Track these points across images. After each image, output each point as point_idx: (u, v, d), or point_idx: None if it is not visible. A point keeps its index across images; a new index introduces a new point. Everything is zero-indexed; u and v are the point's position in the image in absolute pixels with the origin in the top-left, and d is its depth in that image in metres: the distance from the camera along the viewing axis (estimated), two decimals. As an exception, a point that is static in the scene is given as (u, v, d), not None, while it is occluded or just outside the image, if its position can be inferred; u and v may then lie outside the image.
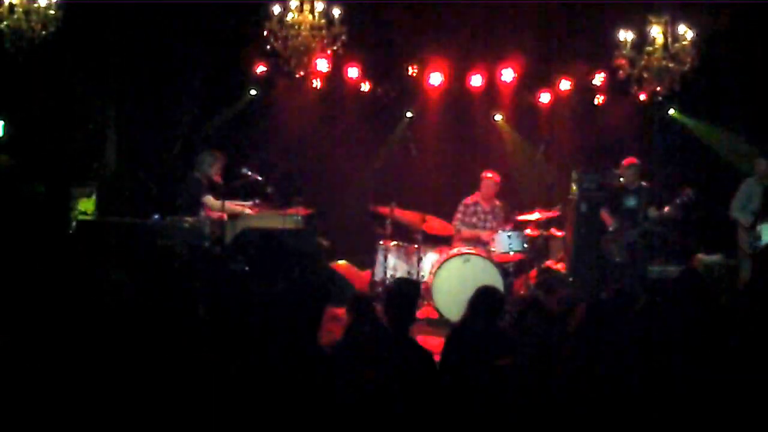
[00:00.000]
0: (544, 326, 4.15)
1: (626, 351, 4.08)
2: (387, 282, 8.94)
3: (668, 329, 4.09)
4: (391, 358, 3.96)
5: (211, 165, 8.53)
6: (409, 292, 4.82)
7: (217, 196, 8.38)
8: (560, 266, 9.69)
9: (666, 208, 8.43)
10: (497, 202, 9.41)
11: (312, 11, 8.21)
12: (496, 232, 9.06)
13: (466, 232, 9.27)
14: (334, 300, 8.55)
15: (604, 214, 8.81)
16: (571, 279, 9.33)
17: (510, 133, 11.04)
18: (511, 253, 8.93)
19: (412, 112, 10.88)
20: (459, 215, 9.34)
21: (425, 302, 8.84)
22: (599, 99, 10.73)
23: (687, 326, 4.23)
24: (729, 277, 8.71)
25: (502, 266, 8.78)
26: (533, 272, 9.35)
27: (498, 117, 10.99)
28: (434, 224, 9.34)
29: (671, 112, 10.62)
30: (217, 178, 8.53)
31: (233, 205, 8.56)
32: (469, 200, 9.38)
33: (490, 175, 9.34)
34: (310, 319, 4.20)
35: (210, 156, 8.63)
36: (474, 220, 9.32)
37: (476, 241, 9.21)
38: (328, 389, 3.67)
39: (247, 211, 8.67)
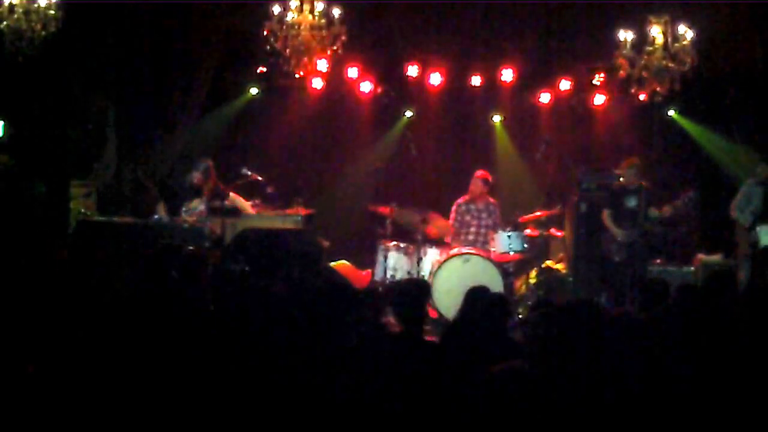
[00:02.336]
0: (547, 327, 4.15)
1: (627, 353, 4.08)
2: (387, 282, 8.95)
3: (669, 333, 4.09)
4: (401, 359, 3.95)
5: (191, 172, 8.52)
6: (417, 292, 4.78)
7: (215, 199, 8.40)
8: (560, 266, 9.70)
9: (666, 208, 8.43)
10: (491, 200, 9.41)
11: (312, 11, 8.21)
12: (494, 230, 9.08)
13: (459, 234, 9.27)
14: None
15: (613, 228, 8.71)
16: (571, 279, 9.33)
17: (506, 135, 11.04)
18: (511, 253, 8.93)
19: (412, 112, 10.89)
20: (453, 215, 9.35)
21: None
22: (599, 99, 10.74)
23: (687, 330, 4.23)
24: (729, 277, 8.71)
25: (502, 266, 8.78)
26: (533, 272, 9.35)
27: (496, 118, 10.99)
28: (437, 224, 9.34)
29: (671, 113, 10.64)
30: (199, 186, 8.47)
31: (240, 201, 8.60)
32: (461, 200, 9.39)
33: (478, 173, 9.36)
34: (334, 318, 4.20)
35: (195, 163, 8.63)
36: (468, 218, 9.32)
37: (476, 241, 9.22)
38: (332, 389, 3.66)
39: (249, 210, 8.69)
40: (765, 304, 4.45)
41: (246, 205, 8.70)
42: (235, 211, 8.58)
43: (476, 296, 5.08)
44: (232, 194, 8.53)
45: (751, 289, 6.72)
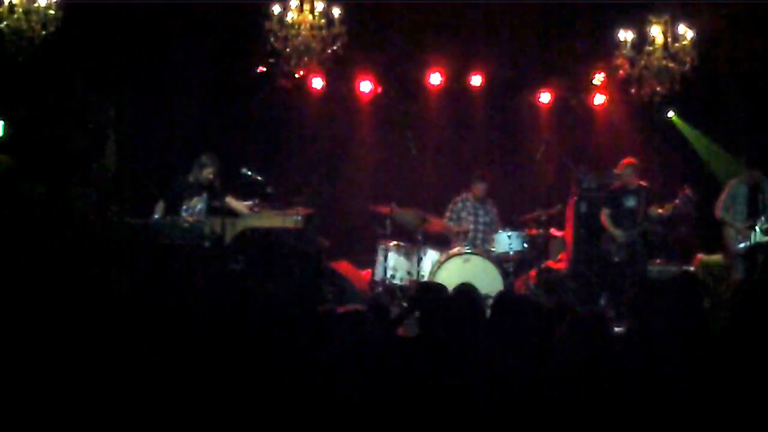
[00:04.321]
0: (542, 327, 4.16)
1: (624, 351, 4.09)
2: (387, 282, 8.95)
3: (664, 331, 4.10)
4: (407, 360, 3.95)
5: (202, 169, 8.36)
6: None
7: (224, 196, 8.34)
8: (560, 266, 9.69)
9: (665, 208, 8.45)
10: (490, 200, 9.42)
11: (312, 11, 8.22)
12: (492, 229, 9.09)
13: (453, 227, 9.26)
14: (333, 300, 8.64)
15: (612, 228, 8.72)
16: (571, 279, 9.33)
17: (507, 135, 11.05)
18: (511, 253, 8.93)
19: (411, 111, 10.88)
20: (448, 213, 9.35)
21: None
22: (599, 99, 10.74)
23: (683, 328, 4.23)
24: (728, 277, 8.73)
25: (502, 266, 8.78)
26: (533, 272, 9.35)
27: (497, 118, 11.00)
28: (436, 225, 9.34)
29: (670, 114, 10.65)
30: (212, 181, 8.36)
31: (235, 203, 8.56)
32: (459, 198, 9.39)
33: (479, 173, 9.35)
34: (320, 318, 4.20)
35: (203, 159, 8.51)
36: (464, 214, 9.32)
37: (476, 239, 9.21)
38: (330, 390, 3.67)
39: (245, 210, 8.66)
40: (761, 301, 4.45)
41: (241, 206, 8.61)
42: (232, 212, 8.52)
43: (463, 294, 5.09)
44: (227, 198, 8.41)
45: (746, 287, 6.72)
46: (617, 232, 8.61)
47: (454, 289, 5.18)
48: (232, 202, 8.39)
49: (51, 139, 9.49)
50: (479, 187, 9.29)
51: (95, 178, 9.87)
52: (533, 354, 4.02)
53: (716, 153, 10.49)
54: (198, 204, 8.25)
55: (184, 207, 8.25)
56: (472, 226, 9.27)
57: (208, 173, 8.30)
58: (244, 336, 4.25)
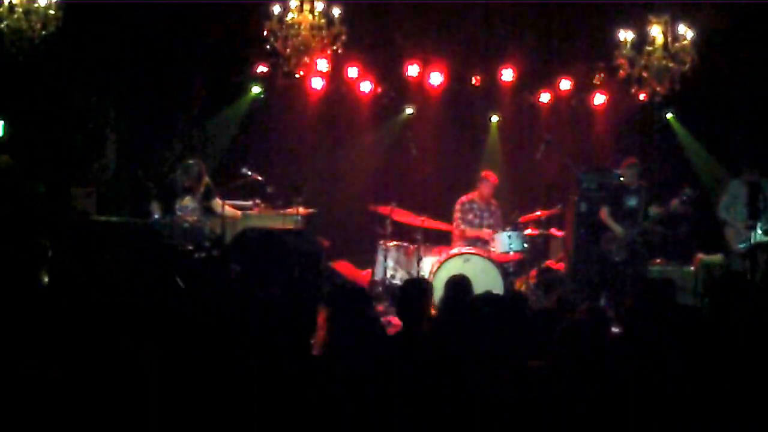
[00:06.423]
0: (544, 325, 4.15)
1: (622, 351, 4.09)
2: (387, 282, 8.95)
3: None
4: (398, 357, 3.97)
5: (185, 173, 8.32)
6: (416, 292, 4.83)
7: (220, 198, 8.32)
8: (560, 266, 9.69)
9: (664, 207, 8.46)
10: (493, 201, 9.41)
11: (312, 11, 8.23)
12: (496, 230, 9.06)
13: (470, 231, 9.23)
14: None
15: (613, 225, 8.73)
16: (571, 279, 9.33)
17: (500, 135, 11.03)
18: (511, 253, 8.93)
19: (412, 108, 10.87)
20: (458, 214, 9.30)
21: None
22: (599, 99, 10.74)
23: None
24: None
25: (502, 266, 8.77)
26: (533, 272, 9.35)
27: (494, 118, 10.99)
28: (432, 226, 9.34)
29: (669, 116, 10.66)
30: (192, 186, 8.35)
31: (231, 207, 8.54)
32: (464, 198, 9.35)
33: (489, 176, 9.32)
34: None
35: (182, 164, 8.49)
36: (470, 216, 9.28)
37: (476, 240, 9.21)
38: (330, 390, 3.66)
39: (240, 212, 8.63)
40: (762, 300, 4.45)
41: (235, 213, 8.56)
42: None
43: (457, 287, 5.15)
44: (219, 200, 8.34)
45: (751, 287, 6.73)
46: (618, 229, 8.61)
47: (446, 281, 5.25)
48: (226, 208, 8.32)
49: (51, 139, 9.50)
50: (486, 189, 9.26)
51: (95, 178, 9.89)
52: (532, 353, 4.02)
53: (706, 159, 10.53)
54: (189, 203, 8.24)
55: (177, 206, 8.25)
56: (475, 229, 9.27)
57: (184, 180, 8.27)
58: (243, 336, 4.25)
